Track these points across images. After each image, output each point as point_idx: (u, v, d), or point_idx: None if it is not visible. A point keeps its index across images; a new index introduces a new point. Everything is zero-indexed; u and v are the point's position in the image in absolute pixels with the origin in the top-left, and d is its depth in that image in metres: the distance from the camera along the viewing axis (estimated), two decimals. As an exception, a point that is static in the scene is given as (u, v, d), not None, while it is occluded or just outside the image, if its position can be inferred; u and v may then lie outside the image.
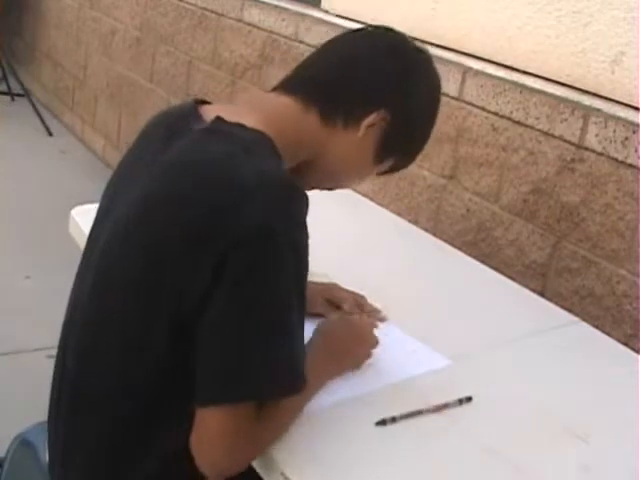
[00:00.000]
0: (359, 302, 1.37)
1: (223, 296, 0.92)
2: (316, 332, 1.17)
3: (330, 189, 1.23)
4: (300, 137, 1.11)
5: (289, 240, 0.94)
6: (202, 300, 0.93)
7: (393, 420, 1.09)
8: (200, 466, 0.96)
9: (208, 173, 0.98)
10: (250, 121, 1.04)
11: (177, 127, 1.07)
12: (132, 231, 1.01)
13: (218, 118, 1.04)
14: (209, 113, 1.07)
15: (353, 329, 1.24)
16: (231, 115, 1.05)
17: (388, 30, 1.20)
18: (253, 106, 1.13)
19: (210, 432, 0.95)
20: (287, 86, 1.14)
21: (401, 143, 1.18)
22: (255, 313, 0.93)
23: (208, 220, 0.93)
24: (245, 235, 0.92)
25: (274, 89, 1.16)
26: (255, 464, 1.03)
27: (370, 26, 1.23)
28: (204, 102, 1.13)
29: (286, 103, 1.11)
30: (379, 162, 1.19)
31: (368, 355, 1.23)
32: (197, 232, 0.94)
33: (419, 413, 1.12)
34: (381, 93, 1.13)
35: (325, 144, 1.12)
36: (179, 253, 0.95)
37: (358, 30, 1.23)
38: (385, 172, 1.24)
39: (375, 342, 1.23)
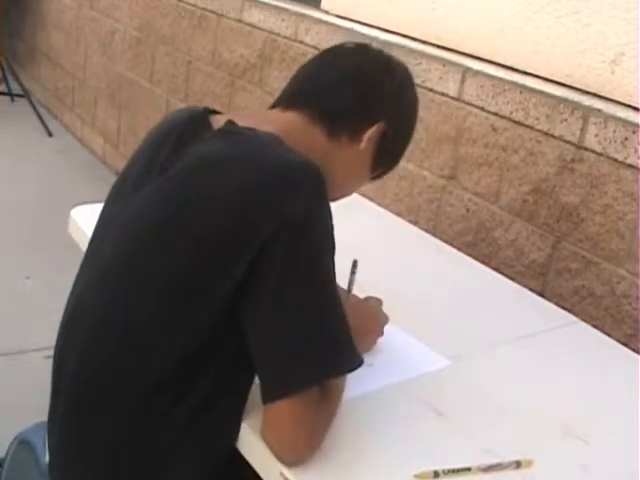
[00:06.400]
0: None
1: (266, 288, 0.94)
2: None
3: (334, 200, 1.24)
4: (308, 151, 1.11)
5: (324, 224, 0.99)
6: (239, 291, 0.95)
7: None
8: (282, 459, 0.98)
9: (238, 166, 1.00)
10: (262, 129, 1.06)
11: (188, 134, 1.09)
12: (158, 233, 1.02)
13: (230, 121, 1.07)
14: (219, 123, 1.09)
15: (364, 310, 1.27)
16: (242, 122, 1.07)
17: (369, 46, 1.23)
18: (262, 119, 1.13)
19: (285, 424, 0.97)
20: (290, 101, 1.16)
21: (393, 152, 1.25)
22: (299, 299, 0.95)
23: (248, 210, 0.96)
24: (288, 221, 0.94)
25: (274, 106, 1.17)
26: (254, 464, 1.04)
27: (354, 43, 1.24)
28: (213, 111, 1.14)
29: (292, 118, 1.14)
30: (373, 171, 1.23)
31: (381, 332, 1.28)
32: (237, 224, 0.96)
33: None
34: (381, 107, 1.18)
35: (331, 157, 1.14)
36: (220, 247, 0.96)
37: (348, 46, 1.23)
38: (374, 178, 1.27)
39: (386, 319, 1.29)
